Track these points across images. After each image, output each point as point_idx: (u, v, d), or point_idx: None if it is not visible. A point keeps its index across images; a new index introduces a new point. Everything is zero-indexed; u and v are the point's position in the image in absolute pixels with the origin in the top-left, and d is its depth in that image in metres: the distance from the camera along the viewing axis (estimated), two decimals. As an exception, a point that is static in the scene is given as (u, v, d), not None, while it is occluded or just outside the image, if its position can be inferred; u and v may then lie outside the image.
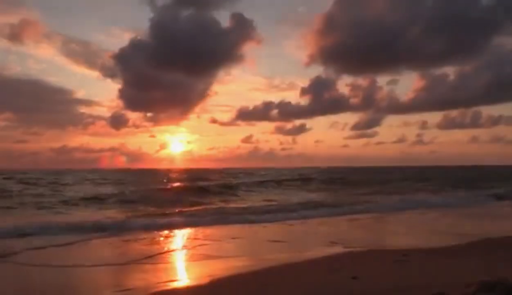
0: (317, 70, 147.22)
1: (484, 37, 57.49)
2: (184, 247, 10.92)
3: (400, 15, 50.50)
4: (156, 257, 9.43)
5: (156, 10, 60.97)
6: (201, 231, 13.36)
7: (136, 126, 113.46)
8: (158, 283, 7.08)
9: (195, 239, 12.02)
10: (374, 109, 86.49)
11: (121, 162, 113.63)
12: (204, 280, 7.21)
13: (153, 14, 79.93)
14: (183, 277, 7.82)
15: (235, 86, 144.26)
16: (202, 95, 77.08)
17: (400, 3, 53.11)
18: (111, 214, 17.73)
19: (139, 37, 62.97)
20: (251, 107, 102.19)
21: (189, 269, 8.64)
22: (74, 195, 25.51)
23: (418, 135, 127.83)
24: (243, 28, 59.21)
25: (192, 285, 7.12)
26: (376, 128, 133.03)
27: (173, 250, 10.36)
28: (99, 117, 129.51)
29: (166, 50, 53.57)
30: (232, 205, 21.82)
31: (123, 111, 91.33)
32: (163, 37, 52.24)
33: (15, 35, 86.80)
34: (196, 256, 9.58)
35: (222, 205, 22.15)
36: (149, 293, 6.42)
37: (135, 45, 56.15)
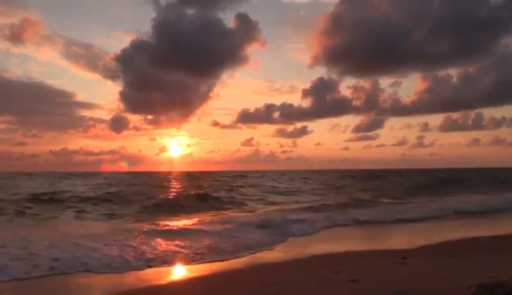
0: (319, 73, 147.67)
1: (489, 39, 56.81)
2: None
3: (404, 16, 50.22)
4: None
5: (159, 10, 60.42)
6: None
7: (137, 129, 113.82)
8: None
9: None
10: (376, 112, 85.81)
11: (121, 165, 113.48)
12: (201, 278, 7.25)
13: (156, 15, 79.43)
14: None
15: (237, 89, 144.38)
16: (204, 97, 76.08)
17: (404, 4, 52.84)
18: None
19: (140, 38, 62.37)
20: (252, 110, 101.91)
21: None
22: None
23: (419, 137, 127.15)
24: (247, 30, 58.62)
25: (187, 280, 7.15)
26: (378, 131, 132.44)
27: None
28: (100, 120, 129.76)
29: (169, 51, 53.07)
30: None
31: (124, 114, 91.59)
32: (165, 38, 51.80)
33: (16, 37, 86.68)
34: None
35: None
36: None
37: (136, 46, 55.71)
